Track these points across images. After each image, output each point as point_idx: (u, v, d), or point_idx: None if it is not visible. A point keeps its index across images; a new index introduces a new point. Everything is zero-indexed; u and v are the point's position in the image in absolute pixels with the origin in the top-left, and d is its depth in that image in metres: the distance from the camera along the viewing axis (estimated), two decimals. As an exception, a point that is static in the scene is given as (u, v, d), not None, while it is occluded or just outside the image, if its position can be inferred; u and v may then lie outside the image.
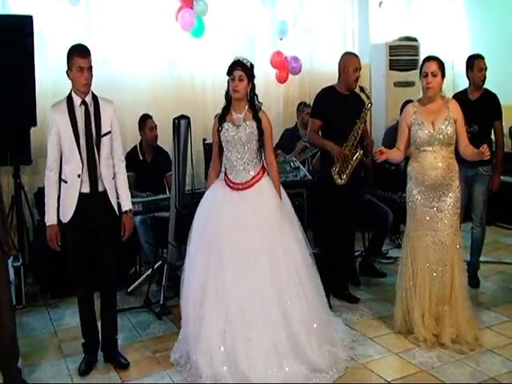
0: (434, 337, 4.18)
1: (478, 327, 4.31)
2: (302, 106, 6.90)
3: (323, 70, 7.31)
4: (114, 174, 3.99)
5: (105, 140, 3.91)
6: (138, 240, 5.41)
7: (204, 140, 6.15)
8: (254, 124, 3.98)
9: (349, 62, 4.90)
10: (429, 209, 4.21)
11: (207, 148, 6.11)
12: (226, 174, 4.06)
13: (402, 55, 7.78)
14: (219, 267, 3.84)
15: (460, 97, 4.85)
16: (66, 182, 3.88)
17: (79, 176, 3.83)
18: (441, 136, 4.13)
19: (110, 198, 3.93)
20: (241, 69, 3.94)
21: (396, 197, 6.10)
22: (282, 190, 4.12)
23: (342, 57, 5.01)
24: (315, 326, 3.89)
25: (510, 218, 6.83)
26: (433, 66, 4.17)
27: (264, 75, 6.89)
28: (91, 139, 3.85)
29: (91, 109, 3.88)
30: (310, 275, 4.01)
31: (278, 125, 6.80)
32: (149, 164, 5.84)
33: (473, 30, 8.29)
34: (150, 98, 6.48)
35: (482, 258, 5.34)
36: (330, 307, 4.69)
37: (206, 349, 3.76)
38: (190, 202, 4.94)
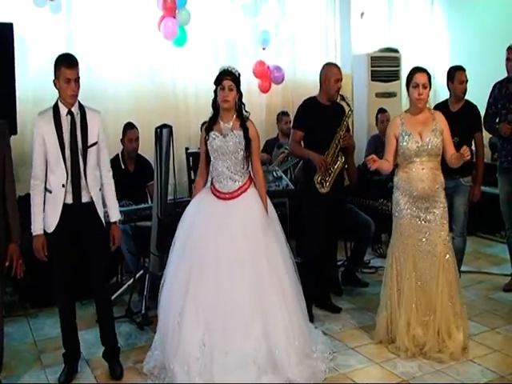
0: (417, 347, 4.18)
1: (466, 338, 4.28)
2: (280, 115, 6.96)
3: (306, 79, 7.34)
4: (102, 185, 3.97)
5: (91, 151, 3.88)
6: (119, 249, 5.36)
7: (187, 149, 6.15)
8: (241, 133, 3.97)
9: (330, 73, 4.93)
10: (416, 219, 4.22)
11: (190, 157, 6.11)
12: (212, 183, 4.06)
13: (384, 66, 7.84)
14: (201, 276, 3.82)
15: (441, 108, 4.88)
16: (50, 192, 3.85)
17: (63, 186, 3.81)
18: (429, 147, 4.15)
19: (97, 209, 3.90)
20: (230, 78, 3.94)
21: (377, 204, 6.14)
22: (268, 199, 4.11)
23: (324, 67, 5.03)
24: (296, 343, 3.86)
25: (491, 228, 6.89)
26: (424, 78, 4.19)
27: (247, 84, 6.87)
28: (76, 150, 3.83)
29: (77, 119, 3.85)
30: (293, 286, 4.00)
31: (260, 134, 6.77)
32: (131, 173, 5.80)
33: (454, 41, 8.39)
34: (132, 107, 6.47)
35: (462, 268, 5.37)
36: (312, 317, 4.71)
37: (183, 358, 3.73)
38: (172, 212, 4.93)
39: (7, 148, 3.80)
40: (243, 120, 4.03)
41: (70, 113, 3.84)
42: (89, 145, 3.86)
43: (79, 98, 3.95)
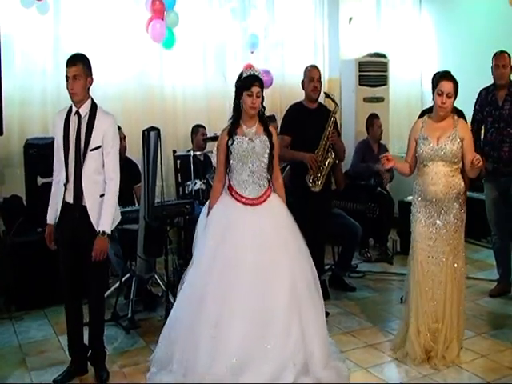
0: (425, 354, 4.15)
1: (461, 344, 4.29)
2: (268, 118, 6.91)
3: (294, 83, 7.28)
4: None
5: (93, 155, 3.82)
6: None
7: (174, 151, 6.13)
8: (267, 138, 3.94)
9: (305, 74, 5.08)
10: (428, 224, 4.18)
11: (177, 159, 6.09)
12: (233, 189, 3.95)
13: (372, 71, 7.84)
14: (238, 287, 3.73)
15: (428, 113, 4.88)
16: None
17: (65, 185, 3.82)
18: (442, 152, 4.09)
19: (90, 215, 3.84)
20: (259, 85, 3.87)
21: (364, 209, 6.16)
22: None
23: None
24: (326, 345, 3.88)
25: (477, 233, 6.92)
26: (449, 87, 4.09)
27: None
28: (79, 152, 3.80)
29: (85, 120, 3.82)
30: (318, 287, 3.99)
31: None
32: (118, 175, 5.75)
33: (442, 46, 8.42)
34: (119, 109, 6.41)
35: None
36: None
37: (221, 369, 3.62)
38: (159, 215, 4.90)
39: None
40: (266, 125, 3.99)
41: (77, 113, 3.82)
42: (91, 148, 3.82)
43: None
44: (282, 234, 3.90)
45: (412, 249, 4.26)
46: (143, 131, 4.78)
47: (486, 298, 5.42)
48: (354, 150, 7.00)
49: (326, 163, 4.85)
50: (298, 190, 4.95)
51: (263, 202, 3.93)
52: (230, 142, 3.92)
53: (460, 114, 5.20)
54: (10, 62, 5.86)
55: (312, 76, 4.98)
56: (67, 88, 3.82)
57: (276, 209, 3.98)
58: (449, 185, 4.13)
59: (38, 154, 5.43)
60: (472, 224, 6.86)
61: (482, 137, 5.45)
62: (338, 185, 5.33)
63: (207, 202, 4.13)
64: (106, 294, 5.25)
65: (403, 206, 6.65)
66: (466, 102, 5.36)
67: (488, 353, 4.31)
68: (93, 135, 3.82)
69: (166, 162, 5.49)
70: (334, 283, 5.75)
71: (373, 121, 6.97)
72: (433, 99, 4.22)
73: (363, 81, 7.79)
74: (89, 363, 4.09)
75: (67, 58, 3.89)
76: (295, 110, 5.11)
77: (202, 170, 5.84)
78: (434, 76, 5.25)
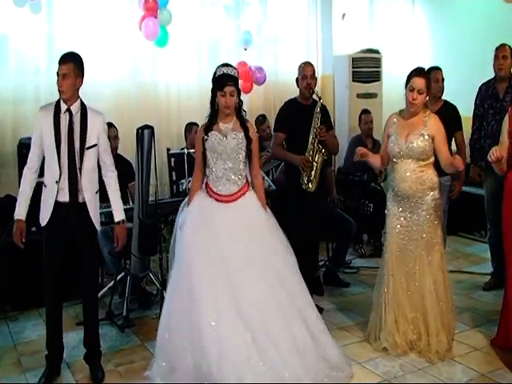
0: (407, 345, 4.20)
1: (451, 336, 4.31)
2: (260, 118, 6.91)
3: (287, 80, 7.30)
4: (107, 186, 3.97)
5: (89, 153, 3.85)
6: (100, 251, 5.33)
7: (168, 149, 6.12)
8: (242, 134, 3.91)
9: (299, 71, 5.08)
10: (401, 218, 4.23)
11: (171, 157, 6.08)
12: (208, 186, 3.96)
13: (365, 67, 7.85)
14: (229, 278, 3.73)
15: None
16: (45, 187, 3.86)
17: (56, 182, 3.79)
18: (408, 150, 4.12)
19: (90, 212, 3.86)
20: (232, 84, 3.83)
21: (358, 205, 6.17)
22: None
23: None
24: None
25: (471, 227, 6.95)
26: (421, 83, 4.10)
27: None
28: (73, 149, 3.80)
29: (77, 118, 3.83)
30: (302, 283, 4.01)
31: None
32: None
33: (435, 42, 8.44)
34: (113, 107, 6.42)
35: (443, 268, 5.41)
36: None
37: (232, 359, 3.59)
38: (153, 213, 4.91)
39: None
40: (243, 120, 3.97)
41: (68, 110, 3.82)
42: (87, 146, 3.84)
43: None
44: (254, 229, 3.87)
45: (386, 241, 4.32)
46: (137, 129, 4.77)
47: (480, 292, 5.45)
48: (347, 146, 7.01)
49: (318, 161, 4.85)
50: (292, 188, 4.96)
51: (237, 199, 3.90)
52: (205, 138, 3.92)
53: (453, 108, 5.26)
54: (3, 61, 5.86)
55: (305, 73, 4.99)
56: (57, 84, 3.82)
57: (249, 206, 3.94)
58: (418, 181, 4.15)
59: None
60: (465, 218, 6.99)
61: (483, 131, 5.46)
62: (332, 150, 5.22)
63: (186, 198, 4.13)
64: (100, 293, 5.31)
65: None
66: (459, 97, 5.39)
67: (482, 346, 4.34)
68: (88, 134, 3.84)
69: (159, 159, 5.49)
70: (328, 279, 5.76)
71: (361, 116, 7.00)
72: (405, 95, 4.22)
73: (356, 77, 7.80)
74: (84, 362, 4.10)
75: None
76: (289, 106, 5.12)
77: (196, 167, 5.83)
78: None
